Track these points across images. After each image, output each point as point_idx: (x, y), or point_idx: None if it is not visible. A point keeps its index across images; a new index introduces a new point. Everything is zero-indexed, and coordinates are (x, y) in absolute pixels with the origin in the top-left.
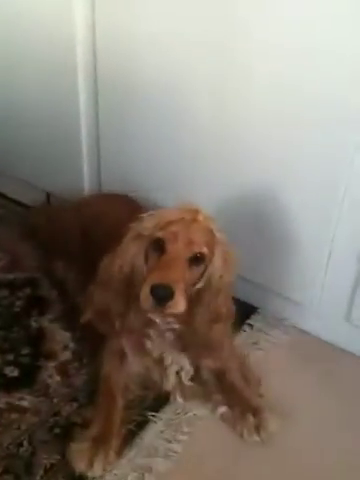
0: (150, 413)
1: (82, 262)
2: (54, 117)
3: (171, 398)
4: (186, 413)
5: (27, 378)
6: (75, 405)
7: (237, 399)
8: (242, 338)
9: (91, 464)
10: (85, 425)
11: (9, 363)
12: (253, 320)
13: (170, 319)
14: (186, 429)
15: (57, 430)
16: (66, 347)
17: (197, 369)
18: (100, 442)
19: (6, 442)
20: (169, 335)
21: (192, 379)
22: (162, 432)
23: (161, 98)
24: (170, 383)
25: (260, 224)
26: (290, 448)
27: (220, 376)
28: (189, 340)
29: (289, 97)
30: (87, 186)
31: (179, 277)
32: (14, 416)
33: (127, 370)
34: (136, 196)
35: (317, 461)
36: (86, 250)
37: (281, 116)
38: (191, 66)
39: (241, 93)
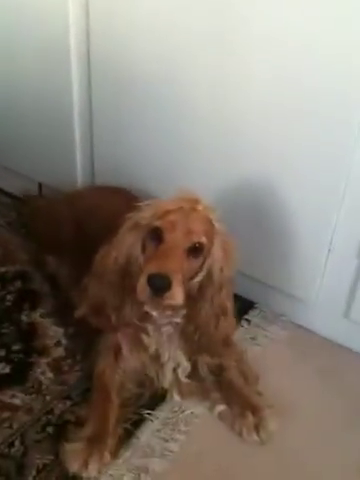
0: (146, 411)
1: (75, 256)
2: (47, 106)
3: (168, 396)
4: (183, 411)
5: (19, 375)
6: (68, 403)
7: (236, 397)
8: (240, 333)
9: (85, 465)
10: (79, 424)
11: (0, 359)
12: (251, 315)
13: (168, 313)
14: (183, 428)
15: (50, 429)
16: (59, 343)
17: (194, 366)
18: (95, 442)
19: None
20: (167, 330)
21: (189, 376)
22: (158, 431)
23: (158, 87)
24: (167, 380)
25: (258, 218)
26: (289, 446)
27: (218, 373)
28: (192, 337)
29: (289, 90)
30: (80, 177)
31: (177, 267)
32: (5, 414)
33: (123, 367)
34: (131, 188)
35: (317, 459)
36: (79, 243)
37: (281, 109)
38: (190, 56)
39: (241, 85)
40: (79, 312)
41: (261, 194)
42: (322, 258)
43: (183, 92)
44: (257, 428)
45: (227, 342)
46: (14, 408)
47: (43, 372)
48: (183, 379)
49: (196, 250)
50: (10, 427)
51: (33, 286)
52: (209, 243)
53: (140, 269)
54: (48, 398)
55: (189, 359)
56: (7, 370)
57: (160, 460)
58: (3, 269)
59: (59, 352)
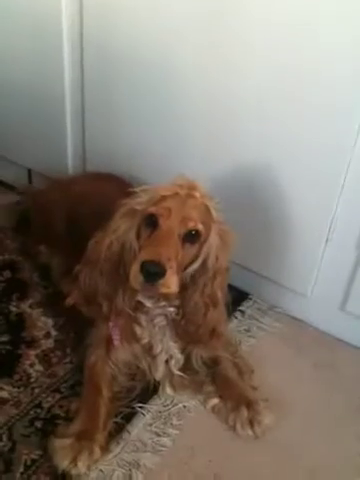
0: (138, 405)
1: (67, 245)
2: (38, 90)
3: (160, 389)
4: (175, 405)
5: (6, 367)
6: (58, 396)
7: (230, 391)
8: (233, 325)
9: (75, 462)
10: (68, 418)
11: None
12: (245, 306)
13: (162, 303)
14: (176, 422)
15: (38, 423)
16: (48, 334)
17: (188, 358)
18: (84, 438)
19: None
20: (160, 321)
21: (182, 369)
22: (150, 425)
23: (152, 72)
24: (159, 373)
25: (255, 207)
26: (284, 441)
27: (212, 366)
28: (183, 327)
29: (289, 76)
30: (71, 163)
31: (171, 254)
32: None
33: (114, 359)
34: (123, 175)
35: (312, 454)
36: (71, 232)
37: (280, 95)
38: (185, 40)
39: (238, 70)
40: (70, 300)
41: (258, 182)
42: (319, 249)
43: (177, 77)
44: (251, 422)
45: (215, 333)
46: (1, 401)
47: (32, 364)
48: (176, 372)
49: (192, 237)
50: None
51: (22, 276)
52: (206, 231)
53: (134, 256)
54: (37, 391)
55: (182, 351)
56: None
57: (152, 455)
58: None
59: (48, 344)
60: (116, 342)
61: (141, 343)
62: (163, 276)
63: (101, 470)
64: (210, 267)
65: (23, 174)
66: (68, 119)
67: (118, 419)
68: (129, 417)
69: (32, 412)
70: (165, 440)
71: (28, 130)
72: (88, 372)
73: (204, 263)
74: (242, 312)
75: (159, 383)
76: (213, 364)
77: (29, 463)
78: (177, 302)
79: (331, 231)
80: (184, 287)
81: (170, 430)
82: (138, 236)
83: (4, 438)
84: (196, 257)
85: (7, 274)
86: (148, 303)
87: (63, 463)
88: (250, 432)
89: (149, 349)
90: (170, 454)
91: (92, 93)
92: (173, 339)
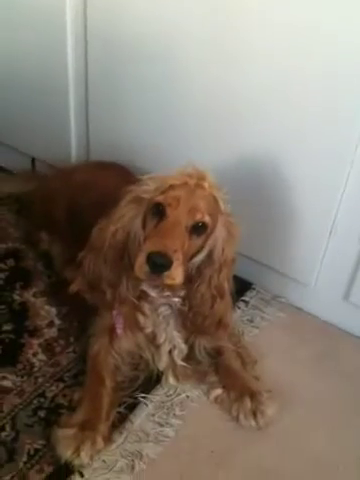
0: (141, 395)
1: (69, 233)
2: (42, 79)
3: (163, 379)
4: (178, 395)
5: (10, 356)
6: (61, 386)
7: (233, 381)
8: (237, 315)
9: (78, 452)
10: (72, 407)
11: None
12: (248, 296)
13: (166, 292)
14: (178, 412)
15: (42, 413)
16: (52, 323)
17: (191, 348)
18: (87, 428)
19: None
20: (164, 310)
21: (186, 359)
22: (153, 415)
23: (155, 62)
24: (162, 362)
25: (258, 198)
26: (287, 431)
27: (215, 356)
28: (190, 319)
29: (293, 63)
30: (74, 152)
31: (178, 246)
32: None
33: (117, 348)
34: (127, 164)
35: (315, 445)
36: (72, 221)
37: (285, 73)
38: (188, 30)
39: (243, 58)
40: (74, 287)
41: (262, 172)
42: (323, 239)
43: (181, 70)
44: (255, 413)
45: (222, 324)
46: (4, 390)
47: (35, 353)
48: (179, 362)
49: (199, 229)
50: (0, 410)
51: (26, 264)
52: (212, 223)
53: (139, 245)
54: (40, 380)
55: (186, 341)
56: None
57: (154, 445)
58: None
59: (52, 333)
60: (119, 330)
61: (144, 332)
62: (169, 268)
63: (104, 460)
64: (216, 259)
65: (27, 163)
66: (72, 110)
67: (121, 409)
68: (132, 407)
69: (35, 401)
70: (168, 430)
71: (32, 120)
72: (91, 362)
73: (210, 255)
74: (245, 302)
75: (162, 373)
76: (216, 354)
77: (32, 453)
78: (182, 293)
79: (335, 221)
80: (190, 279)
81: (173, 420)
82: (144, 225)
83: (7, 428)
84: (201, 248)
85: (11, 262)
86: (152, 293)
87: (66, 453)
88: (253, 423)
89: (152, 339)
90: (173, 444)
91: (96, 85)
92: (177, 329)
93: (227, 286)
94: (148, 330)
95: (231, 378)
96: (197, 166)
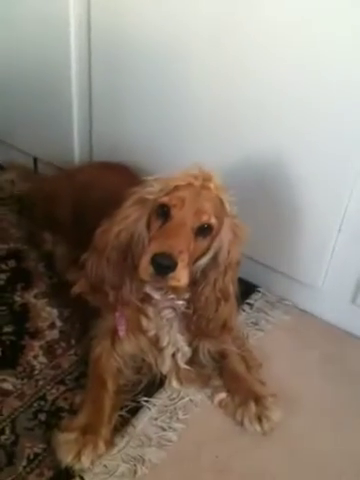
0: (143, 399)
1: (71, 234)
2: (45, 79)
3: (166, 382)
4: (182, 399)
5: (10, 358)
6: (62, 389)
7: (238, 385)
8: (241, 318)
9: (79, 456)
10: (73, 411)
11: None
12: (253, 299)
13: (171, 295)
14: (182, 416)
15: (42, 416)
16: (53, 325)
17: (195, 352)
18: (89, 432)
19: None
20: (167, 313)
21: (189, 362)
22: (156, 419)
23: (159, 61)
24: (166, 366)
25: (264, 198)
26: (292, 437)
27: (219, 359)
28: (195, 322)
29: (300, 53)
30: (77, 152)
31: (183, 247)
32: None
33: (119, 351)
34: (132, 164)
35: (321, 450)
36: (76, 221)
37: (290, 74)
38: (192, 30)
39: (246, 57)
40: (76, 288)
41: (268, 173)
42: (331, 239)
43: (187, 71)
44: (260, 418)
45: (226, 327)
46: (5, 393)
47: (36, 355)
48: (182, 365)
49: (204, 231)
50: (0, 413)
51: (27, 265)
52: (218, 225)
53: (143, 247)
54: (41, 383)
55: (189, 344)
56: None
57: (157, 450)
58: None
59: (53, 335)
60: (121, 333)
61: (148, 335)
62: (174, 269)
63: (105, 465)
64: (222, 261)
65: (29, 162)
66: (75, 110)
67: (123, 413)
68: (134, 411)
69: (36, 404)
70: (171, 435)
71: (35, 120)
72: (93, 364)
73: (215, 257)
74: (250, 305)
75: (165, 376)
76: (220, 358)
77: (32, 457)
78: (186, 295)
79: (343, 221)
80: (195, 281)
81: (176, 425)
82: (148, 226)
83: (7, 431)
84: (207, 250)
85: (12, 263)
86: (156, 295)
87: (67, 457)
88: (258, 428)
89: (156, 342)
90: (176, 449)
91: (99, 83)
92: (180, 332)
93: (232, 289)
94: (151, 333)
95: (235, 382)
96: (203, 167)
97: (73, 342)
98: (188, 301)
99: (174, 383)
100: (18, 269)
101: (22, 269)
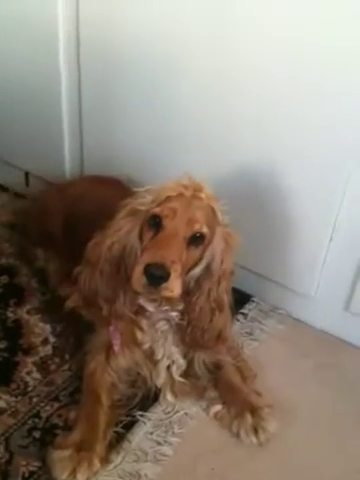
0: (138, 413)
1: (63, 249)
2: (35, 93)
3: (161, 396)
4: (177, 412)
5: (3, 375)
6: (56, 405)
7: (233, 396)
8: (236, 328)
9: (74, 474)
10: (67, 427)
11: None
12: (247, 309)
13: (164, 307)
14: (177, 430)
15: (36, 433)
16: (46, 341)
17: (190, 363)
18: (84, 448)
19: None
20: (162, 325)
21: (184, 374)
22: (151, 434)
23: (150, 74)
24: (160, 379)
25: (256, 207)
26: (289, 448)
27: (214, 371)
28: (189, 333)
29: (291, 67)
30: (68, 166)
31: (176, 257)
32: None
33: (114, 365)
34: (124, 178)
35: (317, 461)
36: (68, 236)
37: (288, 85)
38: (183, 40)
39: (239, 69)
40: (69, 303)
41: (259, 183)
42: (323, 248)
43: (176, 80)
44: (256, 429)
45: (221, 337)
46: None
47: (29, 372)
48: (177, 377)
49: (196, 240)
50: None
51: (20, 281)
52: (210, 234)
53: (136, 258)
54: (35, 400)
55: (184, 356)
56: None
57: (153, 465)
58: None
59: (46, 350)
60: (116, 347)
61: (142, 348)
62: (167, 279)
63: None
64: (215, 271)
65: (20, 177)
66: (65, 124)
67: (118, 428)
68: (129, 426)
69: (30, 422)
70: (166, 449)
71: (26, 134)
72: (87, 380)
73: (208, 267)
74: (244, 315)
75: (160, 390)
76: (215, 369)
77: (27, 475)
78: (180, 306)
79: (335, 230)
80: (188, 292)
81: (172, 438)
82: (140, 238)
83: (1, 449)
84: (199, 260)
85: (4, 279)
86: (150, 307)
87: (62, 475)
88: (254, 439)
89: (150, 354)
90: (172, 463)
91: (89, 98)
92: (175, 344)
93: (226, 299)
94: (146, 346)
95: (231, 393)
96: (193, 177)
97: (67, 357)
98: (182, 312)
99: (169, 396)
100: (10, 285)
101: (15, 285)
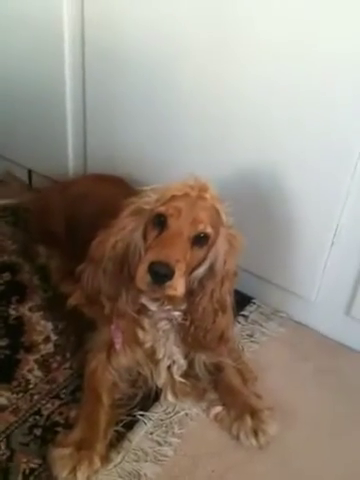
0: (139, 413)
1: (65, 247)
2: (39, 91)
3: (161, 396)
4: (177, 413)
5: (5, 373)
6: (57, 403)
7: (233, 398)
8: (236, 330)
9: (74, 472)
10: (68, 425)
11: None
12: (248, 311)
13: (167, 306)
14: (177, 430)
15: (37, 431)
16: (48, 339)
17: (191, 364)
18: (84, 447)
19: None
20: (164, 325)
21: (184, 375)
22: (152, 434)
23: (154, 74)
24: (161, 379)
25: (258, 211)
26: (288, 450)
27: (215, 372)
28: (192, 333)
29: (291, 69)
30: (72, 164)
31: (180, 256)
32: None
33: (115, 364)
34: (127, 177)
35: (317, 463)
36: (70, 234)
37: (290, 91)
38: (186, 40)
39: (240, 70)
40: (72, 301)
41: (261, 186)
42: (324, 252)
43: (178, 82)
44: (256, 432)
45: (223, 339)
46: None
47: (31, 370)
48: (178, 378)
49: (200, 240)
50: None
51: (22, 278)
52: (215, 234)
53: (140, 257)
54: (36, 397)
55: (185, 357)
56: None
57: (153, 465)
58: None
59: (48, 348)
60: (117, 345)
61: (143, 348)
62: (171, 278)
63: None
64: (218, 271)
65: (23, 174)
66: (69, 122)
67: (119, 427)
68: (130, 425)
69: (31, 419)
70: (166, 449)
71: (29, 132)
72: (88, 378)
73: (212, 267)
74: (245, 317)
75: (161, 390)
76: (216, 370)
77: (28, 472)
78: (183, 306)
79: (336, 234)
80: (191, 292)
81: (172, 439)
82: (145, 236)
83: (2, 446)
84: (203, 260)
85: (6, 276)
86: (152, 306)
87: (62, 473)
88: (254, 441)
89: (151, 354)
90: (172, 464)
91: (93, 97)
92: (176, 344)
93: (229, 300)
94: (147, 345)
95: (231, 395)
96: (199, 178)
97: (68, 356)
98: (184, 312)
99: (169, 397)
100: (13, 282)
101: (17, 282)
